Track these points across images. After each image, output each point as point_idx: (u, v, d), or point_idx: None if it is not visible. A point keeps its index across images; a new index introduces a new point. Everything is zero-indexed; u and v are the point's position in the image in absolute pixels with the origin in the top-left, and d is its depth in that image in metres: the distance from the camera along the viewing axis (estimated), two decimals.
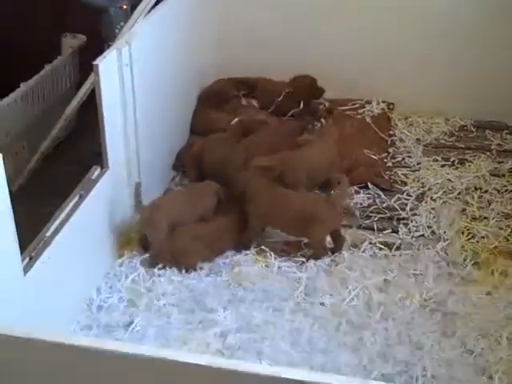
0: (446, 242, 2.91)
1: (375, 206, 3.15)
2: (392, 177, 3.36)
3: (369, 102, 3.84)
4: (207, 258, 2.80)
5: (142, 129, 2.91)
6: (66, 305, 2.48)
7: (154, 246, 2.77)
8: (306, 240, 2.87)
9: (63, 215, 2.45)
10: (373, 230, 3.01)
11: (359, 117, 3.75)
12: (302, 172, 3.06)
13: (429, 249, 2.88)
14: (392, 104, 3.86)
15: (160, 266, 2.74)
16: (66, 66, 3.78)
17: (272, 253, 2.83)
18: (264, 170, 2.94)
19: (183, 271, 2.73)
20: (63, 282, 2.42)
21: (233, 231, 2.87)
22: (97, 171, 2.67)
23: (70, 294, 2.49)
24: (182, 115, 3.48)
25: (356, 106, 3.83)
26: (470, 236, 2.96)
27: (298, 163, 3.07)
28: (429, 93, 3.78)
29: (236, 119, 3.40)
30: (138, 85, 2.82)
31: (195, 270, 2.75)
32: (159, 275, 2.72)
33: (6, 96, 3.37)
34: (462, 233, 2.98)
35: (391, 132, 3.72)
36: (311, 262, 2.79)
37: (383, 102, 3.85)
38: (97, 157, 2.71)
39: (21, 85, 3.46)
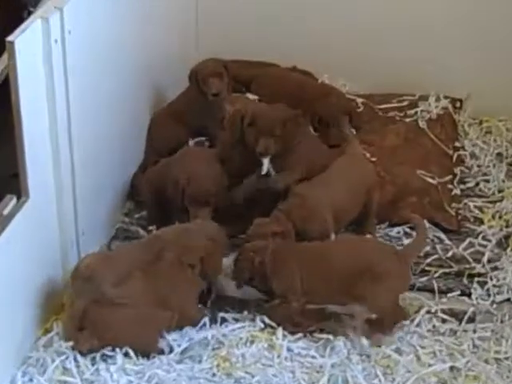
0: None
1: (435, 256, 3.11)
2: (460, 211, 3.30)
3: (424, 99, 3.81)
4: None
5: (78, 138, 2.88)
6: None
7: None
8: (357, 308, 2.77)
9: None
10: (432, 291, 2.97)
11: (409, 120, 3.70)
12: (327, 215, 2.99)
13: None
14: (459, 101, 3.84)
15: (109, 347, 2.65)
16: None
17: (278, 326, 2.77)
18: (277, 237, 2.90)
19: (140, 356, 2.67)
20: None
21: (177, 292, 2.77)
22: (12, 202, 2.59)
23: None
24: (137, 119, 3.46)
25: (404, 103, 3.80)
26: None
27: (319, 206, 2.99)
28: None
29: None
30: (72, 71, 2.77)
31: (160, 352, 2.64)
32: (105, 361, 2.63)
33: None
34: None
35: (458, 144, 3.67)
36: (341, 341, 2.68)
37: (446, 97, 3.81)
38: (11, 181, 2.67)
39: None
